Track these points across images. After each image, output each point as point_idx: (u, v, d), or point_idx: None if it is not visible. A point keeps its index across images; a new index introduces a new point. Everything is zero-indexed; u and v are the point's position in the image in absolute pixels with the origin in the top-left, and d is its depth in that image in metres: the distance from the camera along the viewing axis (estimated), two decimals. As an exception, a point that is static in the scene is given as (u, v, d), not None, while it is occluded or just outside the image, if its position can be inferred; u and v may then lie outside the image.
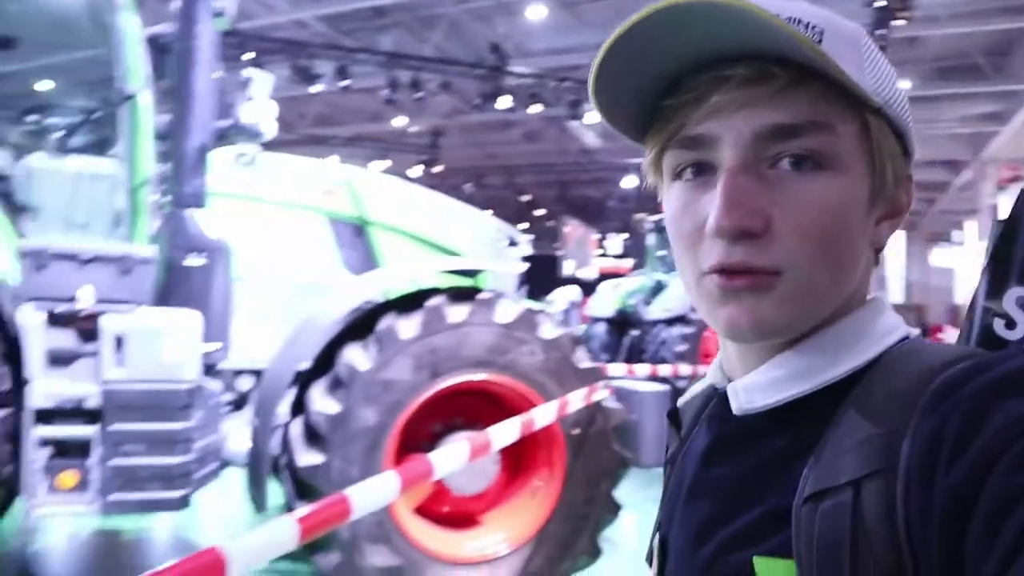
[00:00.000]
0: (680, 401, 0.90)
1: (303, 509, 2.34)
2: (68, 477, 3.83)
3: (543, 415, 3.87)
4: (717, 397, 0.78)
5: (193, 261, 4.41)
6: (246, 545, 2.09)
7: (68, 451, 3.86)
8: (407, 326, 4.07)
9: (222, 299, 4.42)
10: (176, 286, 4.32)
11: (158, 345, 3.91)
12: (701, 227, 0.68)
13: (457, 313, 4.15)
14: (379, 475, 2.75)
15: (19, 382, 3.86)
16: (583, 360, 4.36)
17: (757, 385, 0.70)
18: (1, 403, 3.81)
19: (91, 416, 3.87)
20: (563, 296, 16.79)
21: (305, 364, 4.12)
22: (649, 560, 0.88)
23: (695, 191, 0.70)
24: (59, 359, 3.95)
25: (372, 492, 2.53)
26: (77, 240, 4.14)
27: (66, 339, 3.98)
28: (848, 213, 0.67)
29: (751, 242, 0.65)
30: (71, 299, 3.94)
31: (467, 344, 4.13)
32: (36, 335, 3.88)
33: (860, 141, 0.67)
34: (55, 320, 3.95)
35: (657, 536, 0.83)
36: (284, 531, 2.19)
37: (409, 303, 4.20)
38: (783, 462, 0.66)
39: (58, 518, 4.24)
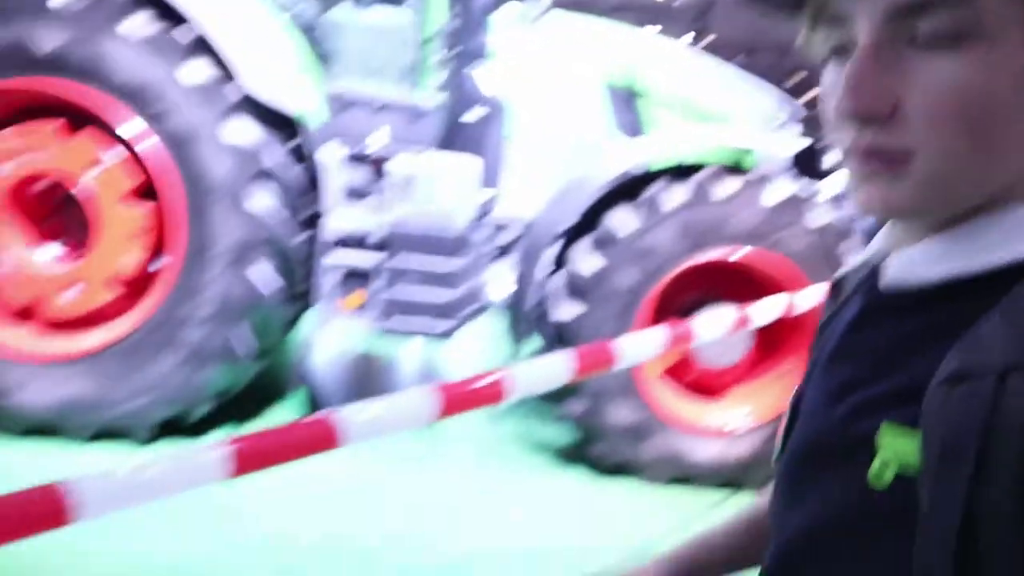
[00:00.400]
0: (842, 271, 0.87)
1: (575, 350, 2.49)
2: (353, 299, 4.29)
3: (804, 300, 3.80)
4: (875, 267, 0.76)
5: (472, 114, 4.64)
6: (525, 372, 2.28)
7: (355, 277, 4.30)
8: (674, 195, 4.08)
9: (496, 152, 4.63)
10: (456, 136, 4.57)
11: (440, 187, 4.20)
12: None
13: (725, 188, 4.10)
14: (647, 330, 2.85)
15: (320, 211, 4.31)
16: (848, 251, 4.20)
17: (913, 260, 0.68)
18: (304, 228, 4.30)
19: (376, 248, 4.27)
20: (832, 184, 15.92)
21: (570, 221, 4.27)
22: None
23: (837, 72, 0.67)
24: (353, 194, 4.36)
25: (638, 345, 2.64)
26: (373, 87, 4.46)
27: (360, 177, 4.36)
28: (994, 91, 0.61)
29: (879, 124, 0.63)
30: (367, 138, 4.29)
31: (732, 220, 4.09)
32: (335, 171, 4.28)
33: (1012, 4, 0.60)
34: (352, 159, 4.34)
35: (791, 399, 0.82)
36: (559, 366, 2.36)
37: (678, 173, 4.19)
38: (926, 340, 0.64)
39: (340, 334, 4.75)
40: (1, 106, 3.90)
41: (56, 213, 4.19)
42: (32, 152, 3.88)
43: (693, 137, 4.44)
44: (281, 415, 4.61)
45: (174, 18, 3.85)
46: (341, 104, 4.41)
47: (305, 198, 4.27)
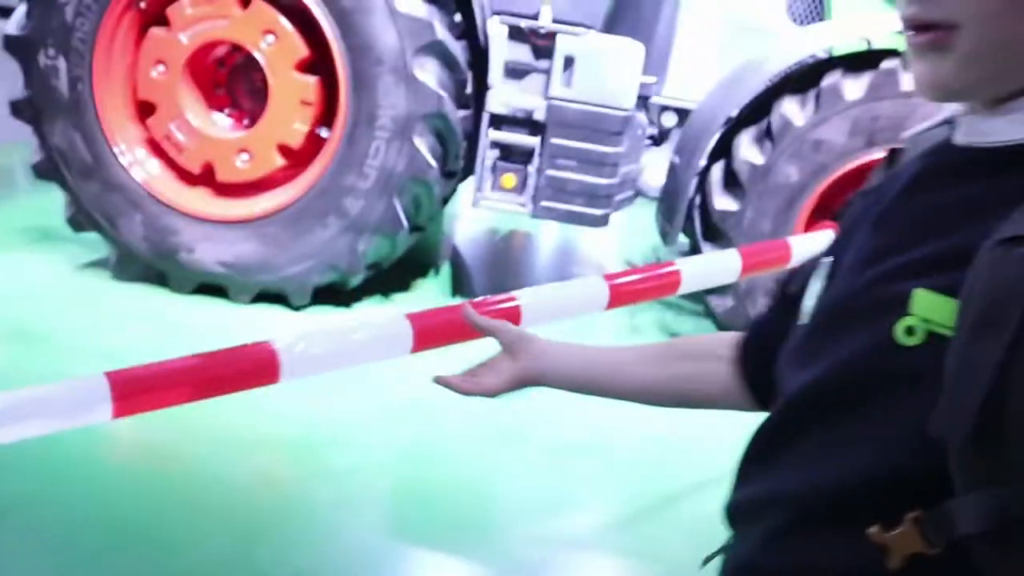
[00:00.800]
0: (907, 136, 0.85)
1: (747, 247, 2.43)
2: (509, 178, 4.30)
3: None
4: (938, 136, 0.75)
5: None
6: (696, 266, 2.24)
7: (512, 156, 4.30)
8: (853, 86, 3.84)
9: (665, 34, 4.45)
10: (623, 17, 4.40)
11: (602, 70, 4.08)
12: None
13: (911, 80, 3.82)
14: (819, 231, 2.75)
15: (481, 88, 4.28)
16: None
17: (990, 122, 0.66)
18: (465, 104, 4.29)
19: (535, 128, 4.23)
20: None
21: (736, 110, 4.09)
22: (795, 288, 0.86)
23: None
24: (514, 72, 4.29)
25: (814, 245, 2.54)
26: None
27: (522, 54, 4.28)
28: None
29: None
30: (531, 16, 4.18)
31: (915, 116, 3.82)
32: (497, 47, 4.22)
33: None
34: (515, 35, 4.25)
35: (828, 262, 0.80)
36: (730, 263, 2.30)
37: (857, 63, 3.92)
38: (985, 203, 0.62)
39: (494, 212, 4.79)
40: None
41: (229, 82, 4.33)
42: (211, 20, 3.99)
43: (881, 23, 4.12)
44: (431, 288, 4.75)
45: None
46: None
47: (469, 73, 4.25)
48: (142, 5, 4.10)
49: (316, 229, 4.04)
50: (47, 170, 4.30)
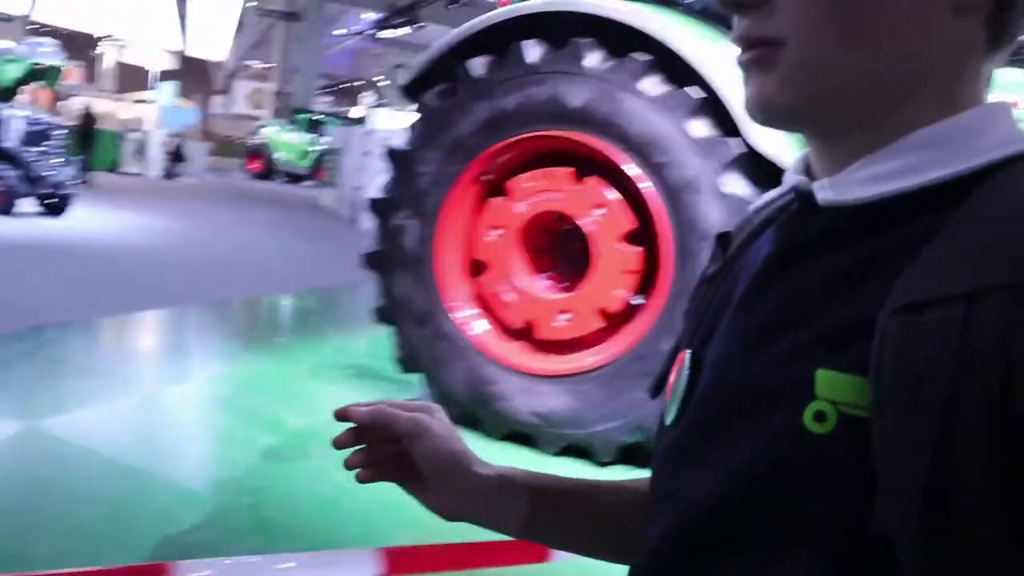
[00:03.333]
0: (736, 223, 0.78)
1: None
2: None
3: None
4: (796, 198, 0.67)
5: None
6: None
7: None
8: None
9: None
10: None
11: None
12: None
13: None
14: None
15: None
16: None
17: (851, 180, 0.60)
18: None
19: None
20: None
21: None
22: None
23: None
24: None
25: None
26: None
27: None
28: None
29: (754, 12, 0.61)
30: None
31: None
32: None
33: None
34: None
35: (687, 354, 0.70)
36: None
37: None
38: (869, 268, 0.56)
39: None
40: (530, 151, 4.50)
41: (553, 248, 4.73)
42: (546, 193, 4.43)
43: None
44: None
45: (681, 80, 4.17)
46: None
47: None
48: (485, 178, 4.62)
49: (628, 390, 4.22)
50: (387, 315, 4.83)
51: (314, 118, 28.59)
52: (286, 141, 27.87)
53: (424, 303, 4.68)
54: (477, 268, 4.70)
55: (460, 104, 4.53)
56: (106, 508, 3.40)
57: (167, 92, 25.37)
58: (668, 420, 0.70)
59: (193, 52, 25.90)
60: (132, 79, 35.86)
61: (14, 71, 12.04)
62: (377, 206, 4.81)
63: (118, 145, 22.68)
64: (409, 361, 4.80)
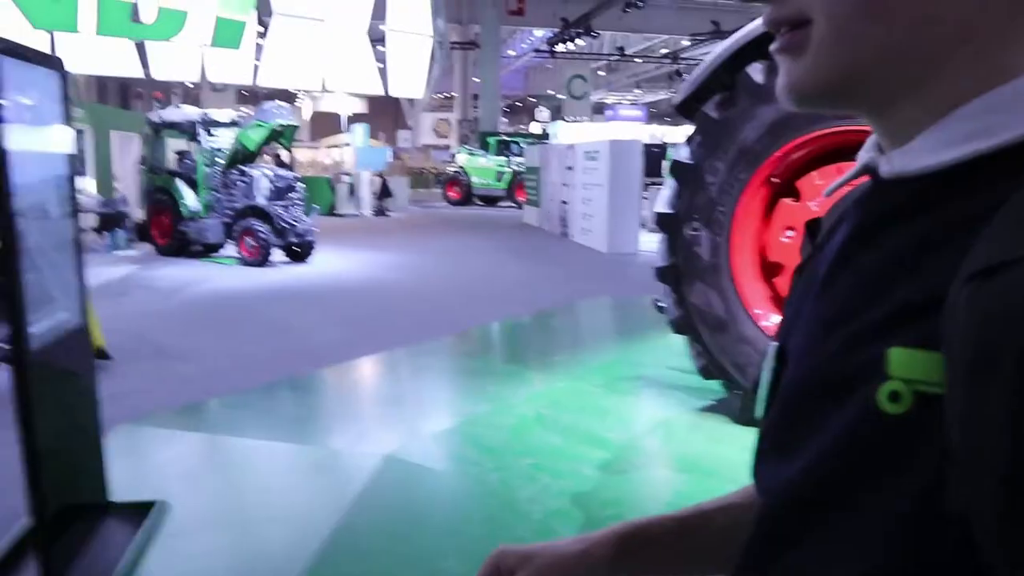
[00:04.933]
0: (825, 197, 0.76)
1: None
2: None
3: None
4: (864, 186, 0.66)
5: None
6: None
7: None
8: None
9: None
10: None
11: None
12: None
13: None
14: None
15: None
16: None
17: (913, 150, 0.58)
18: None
19: None
20: None
21: None
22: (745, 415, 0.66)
23: None
24: None
25: None
26: None
27: None
28: None
29: None
30: None
31: None
32: None
33: None
34: None
35: (772, 347, 0.71)
36: None
37: None
38: (940, 240, 0.53)
39: None
40: (818, 149, 4.52)
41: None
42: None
43: None
44: None
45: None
46: None
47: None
48: (774, 180, 4.67)
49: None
50: (683, 326, 4.97)
51: (503, 140, 29.46)
52: (480, 166, 28.87)
53: (722, 310, 4.78)
54: (771, 270, 4.75)
55: (743, 111, 4.62)
56: (484, 527, 3.72)
57: (360, 134, 26.75)
58: (758, 414, 0.71)
59: (395, 93, 27.30)
60: (322, 126, 38.42)
61: (259, 135, 13.23)
62: (663, 220, 4.97)
63: (333, 189, 24.28)
64: (711, 368, 4.91)
